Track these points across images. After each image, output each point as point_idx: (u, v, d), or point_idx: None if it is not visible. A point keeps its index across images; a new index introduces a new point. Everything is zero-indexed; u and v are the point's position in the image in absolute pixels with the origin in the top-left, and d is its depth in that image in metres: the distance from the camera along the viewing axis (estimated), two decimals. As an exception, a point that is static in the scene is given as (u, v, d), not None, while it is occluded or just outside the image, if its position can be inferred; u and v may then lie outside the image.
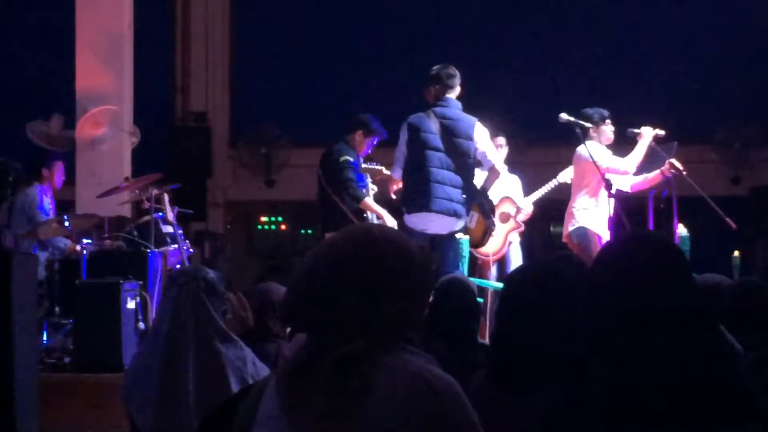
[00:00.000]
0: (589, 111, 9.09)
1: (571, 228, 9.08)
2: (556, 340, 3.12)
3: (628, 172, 8.92)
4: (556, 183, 10.10)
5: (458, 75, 8.57)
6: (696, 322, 2.59)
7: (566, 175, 9.96)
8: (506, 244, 10.04)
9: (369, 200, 8.96)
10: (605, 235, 8.84)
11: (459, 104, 8.51)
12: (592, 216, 8.92)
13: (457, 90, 8.55)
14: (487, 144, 8.55)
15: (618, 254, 2.72)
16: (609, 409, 2.55)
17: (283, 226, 16.49)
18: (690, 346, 2.56)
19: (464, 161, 8.38)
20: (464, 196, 8.35)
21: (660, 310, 2.58)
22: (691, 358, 2.55)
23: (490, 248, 9.57)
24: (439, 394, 2.49)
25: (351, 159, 9.06)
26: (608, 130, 9.11)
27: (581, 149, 8.93)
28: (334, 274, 2.57)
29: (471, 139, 8.41)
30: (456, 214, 8.31)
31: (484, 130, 8.53)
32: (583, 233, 8.93)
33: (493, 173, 8.60)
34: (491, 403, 3.27)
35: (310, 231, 12.64)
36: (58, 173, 10.21)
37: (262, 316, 5.25)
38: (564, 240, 9.25)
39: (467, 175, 8.41)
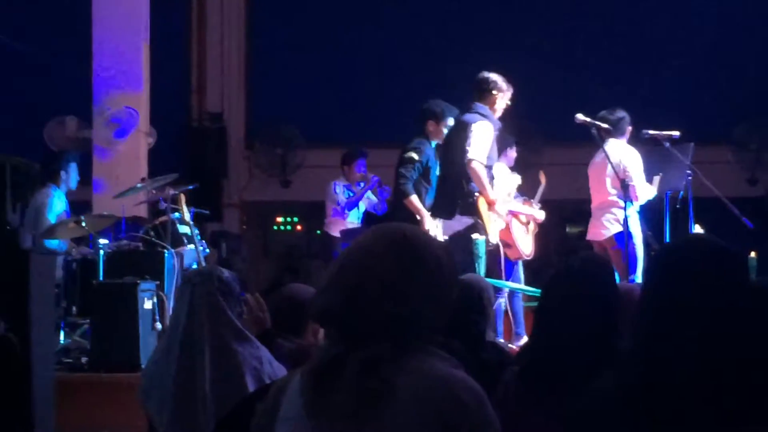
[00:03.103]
0: (621, 113, 9.12)
1: (612, 231, 9.06)
2: (592, 341, 3.15)
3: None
4: (543, 187, 10.17)
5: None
6: (753, 324, 2.61)
7: (543, 178, 10.13)
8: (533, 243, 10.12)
9: (414, 199, 9.06)
10: (641, 237, 8.88)
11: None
12: (633, 219, 8.91)
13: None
14: None
15: (676, 259, 2.74)
16: (656, 409, 2.56)
17: (298, 227, 16.49)
18: (747, 347, 2.57)
19: None
20: None
21: (718, 313, 2.60)
22: (748, 359, 2.56)
23: (527, 249, 9.63)
24: (461, 398, 2.49)
25: (416, 156, 9.21)
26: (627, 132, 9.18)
27: (617, 151, 8.94)
28: (360, 274, 2.56)
29: None
30: None
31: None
32: (627, 238, 8.89)
33: None
34: (522, 401, 3.28)
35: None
36: (72, 174, 10.22)
37: (291, 317, 5.22)
38: (599, 240, 9.21)
39: None
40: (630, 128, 9.22)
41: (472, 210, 8.64)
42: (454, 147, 8.80)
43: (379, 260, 2.57)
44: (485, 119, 8.74)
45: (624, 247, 8.75)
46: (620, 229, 8.93)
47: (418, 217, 9.05)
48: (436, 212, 8.98)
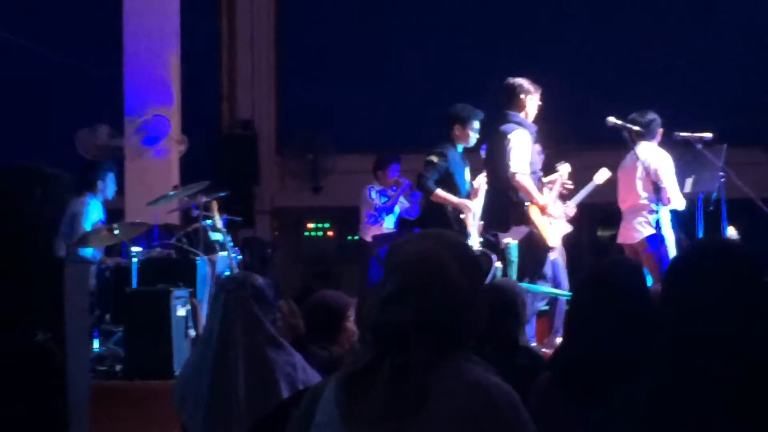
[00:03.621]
0: (652, 115, 9.09)
1: (644, 234, 9.03)
2: (624, 345, 3.14)
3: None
4: (595, 185, 10.10)
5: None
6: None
7: (602, 177, 10.00)
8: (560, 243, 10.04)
9: (440, 191, 9.11)
10: (672, 239, 8.87)
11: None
12: (665, 222, 8.90)
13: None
14: None
15: (694, 263, 2.73)
16: (681, 413, 2.55)
17: (330, 233, 16.51)
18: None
19: None
20: None
21: (735, 315, 2.59)
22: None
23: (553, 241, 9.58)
24: (496, 403, 2.49)
25: (435, 159, 9.22)
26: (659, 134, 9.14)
27: (649, 154, 8.90)
28: (397, 281, 2.57)
29: None
30: None
31: None
32: (660, 240, 8.88)
33: None
34: (555, 405, 3.28)
35: (356, 237, 12.70)
36: (110, 184, 10.27)
37: (324, 323, 5.23)
38: (631, 243, 9.18)
39: None
40: (661, 130, 9.19)
41: (525, 219, 8.68)
42: (496, 160, 8.86)
43: (409, 269, 2.58)
44: (520, 127, 8.79)
45: (656, 249, 8.72)
46: (652, 231, 8.90)
47: (452, 209, 9.12)
48: (490, 226, 8.99)
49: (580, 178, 10.59)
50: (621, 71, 14.56)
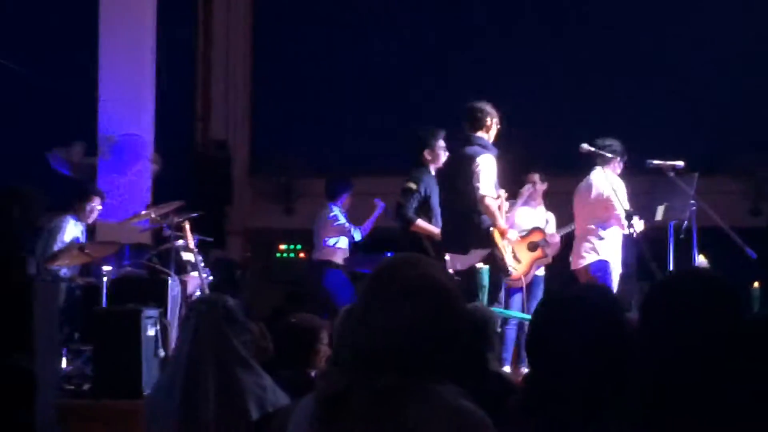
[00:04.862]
0: (610, 141, 9.14)
1: (587, 260, 9.08)
2: (591, 371, 3.14)
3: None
4: None
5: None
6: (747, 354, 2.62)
7: None
8: (532, 270, 10.04)
9: (420, 222, 9.20)
10: (618, 268, 8.94)
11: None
12: (609, 248, 8.97)
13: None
14: None
15: (675, 295, 2.75)
16: None
17: (301, 255, 16.46)
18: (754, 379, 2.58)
19: None
20: None
21: (712, 345, 2.60)
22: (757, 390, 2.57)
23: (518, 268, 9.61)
24: (468, 427, 2.49)
25: (413, 186, 9.28)
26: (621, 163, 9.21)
27: (600, 180, 8.96)
28: (372, 305, 2.57)
29: None
30: None
31: None
32: (603, 266, 8.95)
33: None
34: (526, 429, 3.27)
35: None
36: (89, 208, 10.02)
37: (298, 346, 5.23)
38: (576, 269, 9.23)
39: None
40: (617, 158, 9.24)
41: (488, 242, 8.65)
42: (459, 181, 8.77)
43: (384, 293, 2.57)
44: (487, 151, 8.78)
45: (598, 275, 8.83)
46: (596, 258, 9.01)
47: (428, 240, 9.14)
48: (449, 247, 8.91)
49: (552, 202, 10.65)
50: (593, 98, 14.60)
